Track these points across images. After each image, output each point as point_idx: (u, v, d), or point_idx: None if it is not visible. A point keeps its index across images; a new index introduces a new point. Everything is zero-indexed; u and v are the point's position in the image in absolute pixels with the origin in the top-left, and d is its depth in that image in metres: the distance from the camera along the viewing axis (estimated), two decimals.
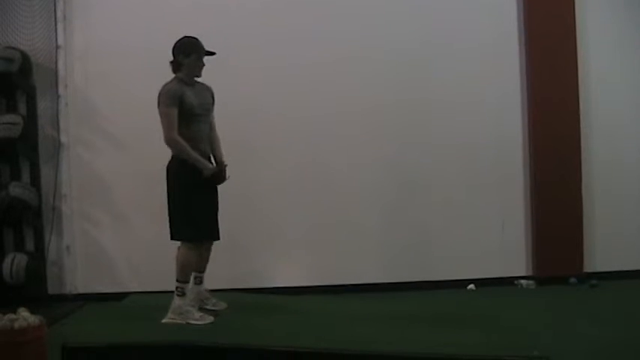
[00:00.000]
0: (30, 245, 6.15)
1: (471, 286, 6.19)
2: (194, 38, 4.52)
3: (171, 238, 4.38)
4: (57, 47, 6.18)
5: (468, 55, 6.30)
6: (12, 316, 3.90)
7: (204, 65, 4.52)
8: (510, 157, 6.40)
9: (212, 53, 4.54)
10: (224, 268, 6.15)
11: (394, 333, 4.25)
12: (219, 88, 6.14)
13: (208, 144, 4.56)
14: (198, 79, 4.55)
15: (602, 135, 6.43)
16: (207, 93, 4.62)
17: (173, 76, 4.45)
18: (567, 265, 6.28)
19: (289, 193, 6.30)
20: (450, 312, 5.05)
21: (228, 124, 6.17)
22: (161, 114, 4.35)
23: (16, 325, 3.83)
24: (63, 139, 6.23)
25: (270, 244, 6.30)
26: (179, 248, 4.39)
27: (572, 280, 6.22)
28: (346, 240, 6.31)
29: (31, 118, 6.12)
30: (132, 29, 6.23)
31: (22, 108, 6.12)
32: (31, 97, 6.17)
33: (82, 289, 6.25)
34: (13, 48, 6.01)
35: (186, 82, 4.44)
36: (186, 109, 4.35)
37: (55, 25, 6.17)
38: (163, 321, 4.32)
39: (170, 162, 4.40)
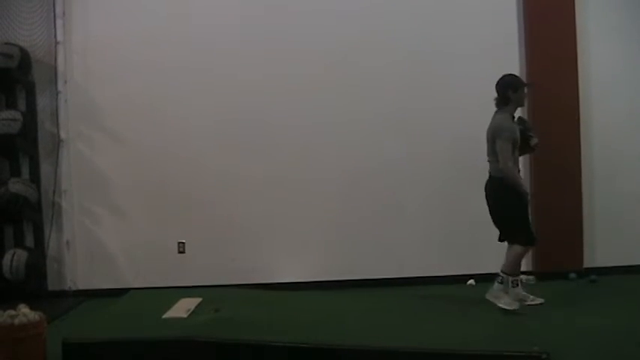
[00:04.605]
0: (30, 241, 6.15)
1: (471, 282, 6.19)
2: (516, 76, 5.23)
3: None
4: (56, 43, 6.17)
5: (469, 57, 6.27)
6: (12, 312, 3.91)
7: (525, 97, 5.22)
8: None
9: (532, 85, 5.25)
10: (226, 263, 6.20)
11: (395, 327, 4.26)
12: (223, 91, 6.22)
13: None
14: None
15: (602, 131, 6.42)
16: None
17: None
18: (567, 261, 6.29)
19: (292, 190, 6.30)
20: (450, 307, 5.06)
21: (235, 125, 6.26)
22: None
23: (16, 321, 3.84)
24: (62, 134, 6.22)
25: (272, 239, 6.31)
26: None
27: (572, 275, 6.22)
28: (347, 236, 6.31)
29: (31, 114, 6.11)
30: (131, 25, 6.22)
31: (22, 104, 6.12)
32: (30, 93, 6.16)
33: (82, 285, 6.25)
34: (13, 44, 6.01)
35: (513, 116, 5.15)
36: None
37: (55, 21, 6.15)
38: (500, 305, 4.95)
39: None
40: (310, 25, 6.28)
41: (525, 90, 5.19)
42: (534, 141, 5.19)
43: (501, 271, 5.17)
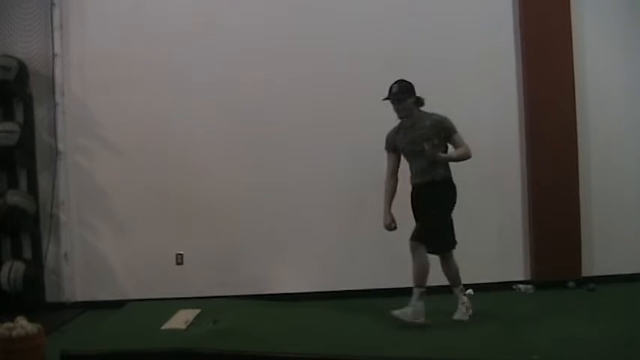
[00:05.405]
0: (28, 253, 6.14)
1: (470, 291, 6.16)
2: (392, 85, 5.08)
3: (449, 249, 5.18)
4: (54, 55, 6.18)
5: (466, 65, 6.30)
6: (10, 324, 3.90)
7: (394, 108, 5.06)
8: (508, 163, 6.40)
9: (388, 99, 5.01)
10: (225, 274, 6.19)
11: (393, 338, 4.26)
12: (222, 101, 6.20)
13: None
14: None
15: (599, 140, 6.44)
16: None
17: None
18: (565, 270, 6.29)
19: (289, 200, 6.30)
20: (448, 317, 5.05)
21: (234, 137, 6.22)
22: None
23: (15, 333, 3.83)
24: (60, 146, 6.22)
25: (270, 251, 6.29)
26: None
27: (571, 284, 6.22)
28: (345, 246, 6.30)
29: (29, 126, 6.12)
30: (128, 37, 6.24)
31: (20, 116, 6.13)
32: (28, 105, 6.17)
33: (80, 297, 6.23)
34: (10, 56, 6.02)
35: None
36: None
37: (52, 33, 6.17)
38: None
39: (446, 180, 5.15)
40: (314, 30, 6.30)
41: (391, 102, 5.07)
42: (425, 148, 5.01)
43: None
